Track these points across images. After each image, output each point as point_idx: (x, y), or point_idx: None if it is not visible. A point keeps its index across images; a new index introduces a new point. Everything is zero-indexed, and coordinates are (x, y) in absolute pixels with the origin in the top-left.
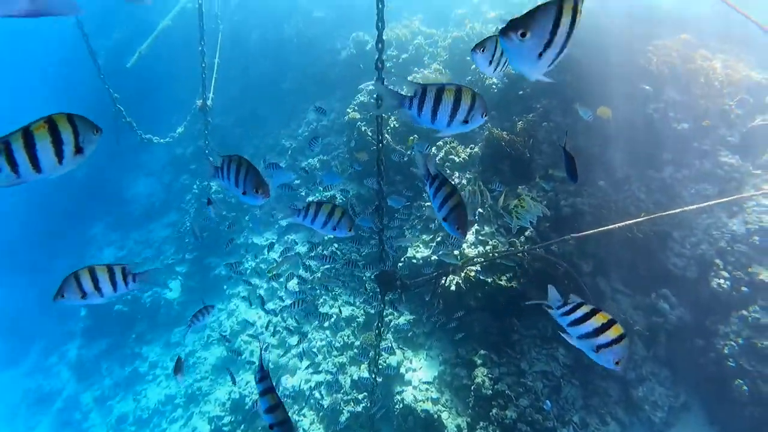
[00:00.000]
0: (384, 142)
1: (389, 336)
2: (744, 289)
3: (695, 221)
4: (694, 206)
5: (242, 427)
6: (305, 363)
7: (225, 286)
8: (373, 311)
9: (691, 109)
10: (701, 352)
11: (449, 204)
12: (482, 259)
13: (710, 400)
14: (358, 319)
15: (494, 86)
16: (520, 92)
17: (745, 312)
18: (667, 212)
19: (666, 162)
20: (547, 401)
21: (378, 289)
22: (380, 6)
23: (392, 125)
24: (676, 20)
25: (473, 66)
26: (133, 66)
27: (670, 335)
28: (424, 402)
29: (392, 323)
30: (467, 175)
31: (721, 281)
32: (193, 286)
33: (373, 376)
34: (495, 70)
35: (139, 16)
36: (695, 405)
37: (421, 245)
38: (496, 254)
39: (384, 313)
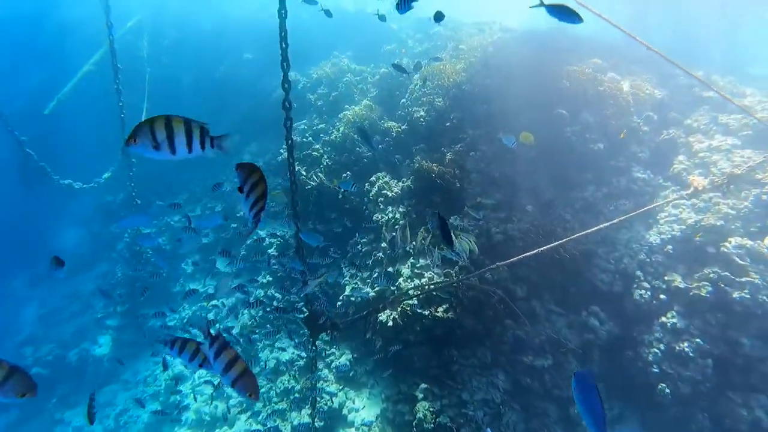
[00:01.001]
0: (296, 183)
1: (330, 377)
2: (662, 296)
3: (617, 237)
4: (606, 223)
5: None
6: (244, 414)
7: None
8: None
9: (605, 129)
10: (631, 362)
11: (234, 371)
12: (417, 292)
13: (642, 408)
14: (298, 363)
15: (422, 119)
16: (447, 124)
17: (664, 318)
18: (584, 232)
19: (588, 182)
20: (488, 429)
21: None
22: (284, 46)
23: (325, 163)
24: (590, 46)
25: (402, 100)
26: (51, 112)
27: (603, 350)
28: None
29: (333, 363)
30: (400, 209)
31: (643, 292)
32: (126, 339)
33: (312, 421)
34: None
35: (56, 60)
36: (629, 415)
37: (358, 282)
38: (431, 286)
39: (316, 357)
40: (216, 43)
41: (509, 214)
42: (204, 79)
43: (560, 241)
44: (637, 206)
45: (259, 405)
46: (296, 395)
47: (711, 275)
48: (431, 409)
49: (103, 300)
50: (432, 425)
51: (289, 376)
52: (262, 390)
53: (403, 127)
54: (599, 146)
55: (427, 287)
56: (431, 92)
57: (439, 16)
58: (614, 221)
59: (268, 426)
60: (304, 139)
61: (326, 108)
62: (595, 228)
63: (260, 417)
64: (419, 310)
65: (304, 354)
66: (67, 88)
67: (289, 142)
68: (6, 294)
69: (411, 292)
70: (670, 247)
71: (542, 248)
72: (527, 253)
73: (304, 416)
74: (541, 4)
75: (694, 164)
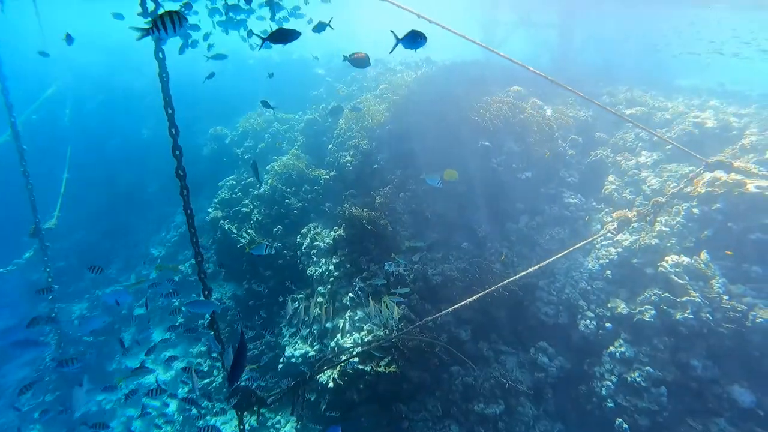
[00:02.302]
0: (201, 255)
1: None
2: (608, 325)
3: (556, 266)
4: (545, 261)
5: None
6: None
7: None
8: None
9: (530, 157)
10: (586, 397)
11: None
12: (355, 351)
13: None
14: None
15: (349, 164)
16: (375, 166)
17: (612, 348)
18: (526, 272)
19: (520, 212)
20: None
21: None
22: (169, 111)
23: (255, 218)
24: (513, 75)
25: (330, 146)
26: None
27: (555, 388)
28: None
29: None
30: (333, 260)
31: (588, 322)
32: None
33: None
34: None
35: None
36: None
37: (299, 341)
38: (372, 344)
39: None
40: (140, 102)
41: (446, 253)
42: (131, 139)
43: (501, 283)
44: (573, 232)
45: None
46: None
47: (653, 298)
48: None
49: (33, 389)
50: None
51: None
52: None
53: (332, 173)
54: (527, 175)
55: (365, 346)
56: (357, 135)
57: (320, 27)
58: (556, 257)
59: None
60: (234, 195)
61: (255, 161)
62: (536, 266)
63: None
64: (360, 367)
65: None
66: None
67: (188, 211)
68: None
69: (349, 350)
70: (609, 272)
71: (482, 293)
72: (460, 303)
73: None
74: (397, 42)
75: (624, 183)
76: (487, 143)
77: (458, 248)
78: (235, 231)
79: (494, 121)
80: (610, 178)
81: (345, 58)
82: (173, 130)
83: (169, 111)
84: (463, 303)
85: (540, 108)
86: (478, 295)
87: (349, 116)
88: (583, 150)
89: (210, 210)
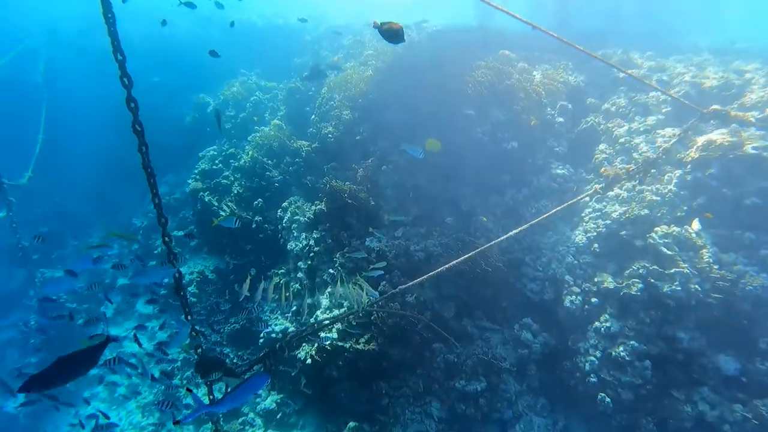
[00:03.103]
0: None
1: (258, 421)
2: (594, 300)
3: (542, 241)
4: (525, 225)
5: None
6: None
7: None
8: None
9: (517, 126)
10: (569, 373)
11: None
12: (328, 322)
13: (588, 418)
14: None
15: (330, 135)
16: (357, 137)
17: (597, 323)
18: (501, 238)
19: (506, 184)
20: None
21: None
22: (119, 57)
23: (236, 191)
24: (501, 39)
25: (312, 116)
26: None
27: (540, 364)
28: None
29: (259, 406)
30: (314, 235)
31: (573, 297)
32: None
33: None
34: None
35: None
36: (575, 426)
37: (279, 317)
38: (346, 316)
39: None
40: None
41: (429, 228)
42: (108, 108)
43: (475, 251)
44: (561, 204)
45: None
46: None
47: (640, 271)
48: None
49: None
50: None
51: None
52: None
53: (314, 145)
54: (513, 144)
55: (340, 320)
56: (339, 105)
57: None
58: (532, 222)
59: None
60: (214, 167)
61: (235, 131)
62: (513, 232)
63: None
64: (339, 344)
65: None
66: None
67: (148, 170)
68: None
69: (326, 325)
70: (596, 245)
71: (454, 261)
72: (434, 272)
73: None
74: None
75: (616, 151)
76: (471, 112)
77: (442, 223)
78: (215, 203)
79: (479, 88)
80: (601, 146)
81: (376, 27)
82: (125, 80)
83: (119, 57)
84: (439, 270)
85: (528, 73)
86: (456, 261)
87: (332, 84)
88: (573, 117)
89: (190, 181)
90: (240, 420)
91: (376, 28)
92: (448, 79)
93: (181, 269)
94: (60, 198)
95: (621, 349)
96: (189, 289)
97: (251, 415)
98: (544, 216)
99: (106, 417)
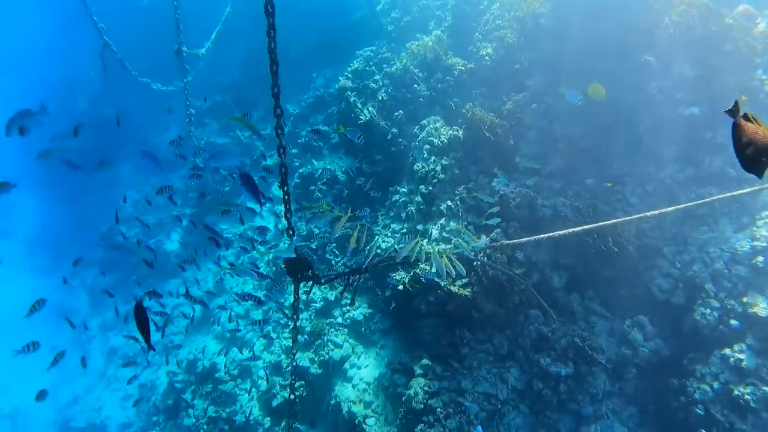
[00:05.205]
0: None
1: (341, 328)
2: (733, 322)
3: (692, 235)
4: (672, 208)
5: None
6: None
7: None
8: (332, 298)
9: (706, 88)
10: (674, 393)
11: None
12: (426, 255)
13: None
14: (315, 304)
15: (487, 58)
16: (516, 66)
17: (728, 351)
18: (638, 215)
19: (669, 158)
20: (479, 427)
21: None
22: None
23: (380, 97)
24: None
25: (476, 33)
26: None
27: (642, 370)
28: (355, 403)
29: (347, 315)
30: (443, 161)
31: (709, 311)
32: (191, 241)
33: (293, 365)
34: None
35: None
36: None
37: (388, 234)
38: (449, 254)
39: (297, 304)
40: None
41: (565, 186)
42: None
43: (607, 222)
44: (732, 200)
45: (273, 335)
46: (306, 336)
47: None
48: (426, 389)
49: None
50: (421, 405)
51: (307, 314)
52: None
53: (469, 65)
54: (693, 111)
55: (444, 254)
56: (505, 25)
57: None
58: (687, 204)
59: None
60: (367, 68)
61: (396, 35)
62: (658, 211)
63: (272, 348)
64: (436, 280)
65: (321, 297)
66: None
67: (272, 56)
68: (116, 177)
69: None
70: (761, 259)
71: (579, 228)
72: (554, 233)
73: (304, 359)
74: None
75: None
76: (650, 59)
77: (580, 183)
78: (359, 105)
79: (670, 30)
80: None
81: None
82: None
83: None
84: (560, 233)
85: (749, 20)
86: (581, 228)
87: (505, 0)
88: None
89: (341, 78)
90: (328, 320)
91: None
92: (637, 14)
93: (316, 163)
94: (235, 74)
95: (748, 390)
96: (318, 185)
97: (339, 318)
98: (704, 200)
99: None
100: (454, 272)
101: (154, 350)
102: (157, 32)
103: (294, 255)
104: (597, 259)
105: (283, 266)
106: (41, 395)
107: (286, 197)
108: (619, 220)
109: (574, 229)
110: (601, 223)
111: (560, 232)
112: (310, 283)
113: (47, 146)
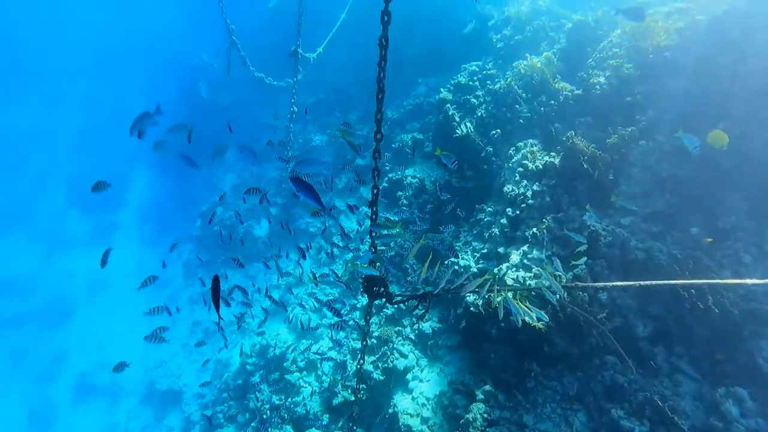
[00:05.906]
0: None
1: (411, 337)
2: None
3: None
4: None
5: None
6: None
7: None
8: (404, 307)
9: None
10: None
11: None
12: (498, 287)
13: None
14: (386, 311)
15: (598, 87)
16: (628, 98)
17: None
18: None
19: None
20: None
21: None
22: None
23: (479, 113)
24: None
25: (590, 60)
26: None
27: None
28: (412, 417)
29: (416, 326)
30: (534, 187)
31: None
32: (278, 230)
33: (359, 368)
34: None
35: None
36: None
37: (468, 252)
38: (527, 288)
39: (369, 317)
40: None
41: (664, 230)
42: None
43: (708, 281)
44: None
45: (342, 334)
46: (373, 340)
47: None
48: (485, 415)
49: (275, 186)
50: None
51: (377, 318)
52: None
53: (576, 92)
54: None
55: (522, 287)
56: (623, 55)
57: None
58: None
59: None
60: (471, 83)
61: (504, 52)
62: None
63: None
64: (508, 306)
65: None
66: None
67: (380, 84)
68: (222, 162)
69: (505, 284)
70: None
71: (677, 282)
72: (647, 282)
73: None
74: None
75: None
76: None
77: (684, 230)
78: (457, 119)
79: None
80: None
81: None
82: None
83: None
84: (653, 283)
85: None
86: (679, 282)
87: (628, 30)
88: None
89: (442, 90)
90: (396, 329)
91: None
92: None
93: (407, 171)
94: (337, 75)
95: None
96: (406, 192)
97: (408, 329)
98: None
99: None
100: (534, 316)
101: (224, 320)
102: (278, 31)
103: (374, 272)
104: (691, 316)
105: (362, 281)
106: (120, 366)
107: (374, 216)
108: (727, 281)
109: (668, 281)
110: (701, 281)
111: (653, 282)
112: (383, 300)
113: (162, 138)
